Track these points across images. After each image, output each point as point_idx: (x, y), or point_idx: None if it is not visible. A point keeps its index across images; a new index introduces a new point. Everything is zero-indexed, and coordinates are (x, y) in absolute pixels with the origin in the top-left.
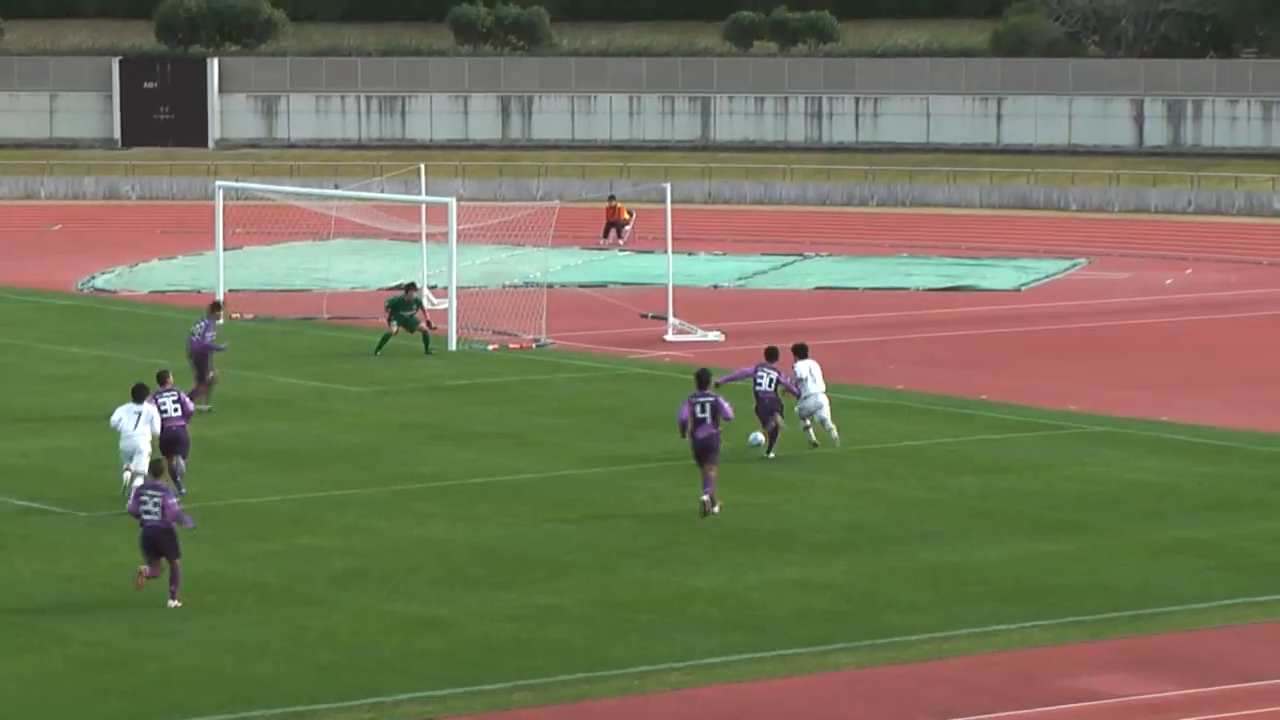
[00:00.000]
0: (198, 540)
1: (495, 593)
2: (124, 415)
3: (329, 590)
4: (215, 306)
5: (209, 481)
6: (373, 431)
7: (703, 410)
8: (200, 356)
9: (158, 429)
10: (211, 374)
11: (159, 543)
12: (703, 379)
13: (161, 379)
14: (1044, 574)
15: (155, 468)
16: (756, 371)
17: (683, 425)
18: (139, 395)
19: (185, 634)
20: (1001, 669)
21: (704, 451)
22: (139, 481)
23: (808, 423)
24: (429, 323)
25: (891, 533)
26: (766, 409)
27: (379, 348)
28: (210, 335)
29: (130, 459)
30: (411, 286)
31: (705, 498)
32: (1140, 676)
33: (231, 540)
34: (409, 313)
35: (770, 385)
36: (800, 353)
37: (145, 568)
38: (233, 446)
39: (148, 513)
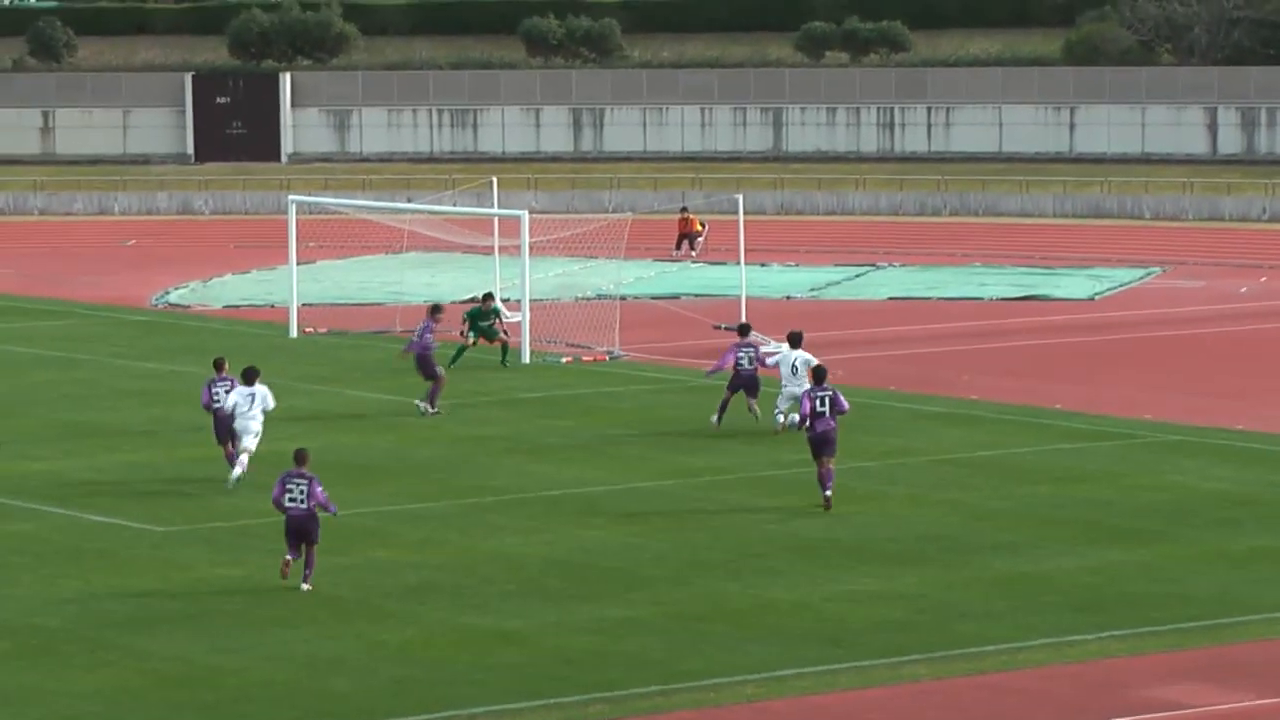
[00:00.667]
0: (273, 555)
1: (570, 605)
2: (239, 398)
3: (404, 604)
4: (435, 309)
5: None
6: (446, 445)
7: (822, 404)
8: (422, 359)
9: (270, 406)
10: (439, 373)
11: (305, 529)
12: (819, 375)
13: (218, 366)
14: (1119, 583)
15: (300, 456)
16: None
17: (804, 419)
18: (250, 378)
19: (261, 648)
20: (1077, 679)
21: (823, 445)
22: (243, 461)
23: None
24: (505, 332)
25: (966, 543)
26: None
27: (454, 360)
28: (429, 337)
29: (240, 438)
30: (489, 296)
31: (828, 493)
32: (1219, 686)
33: None
34: (487, 323)
35: (750, 364)
36: (795, 341)
37: (289, 556)
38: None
39: (293, 500)
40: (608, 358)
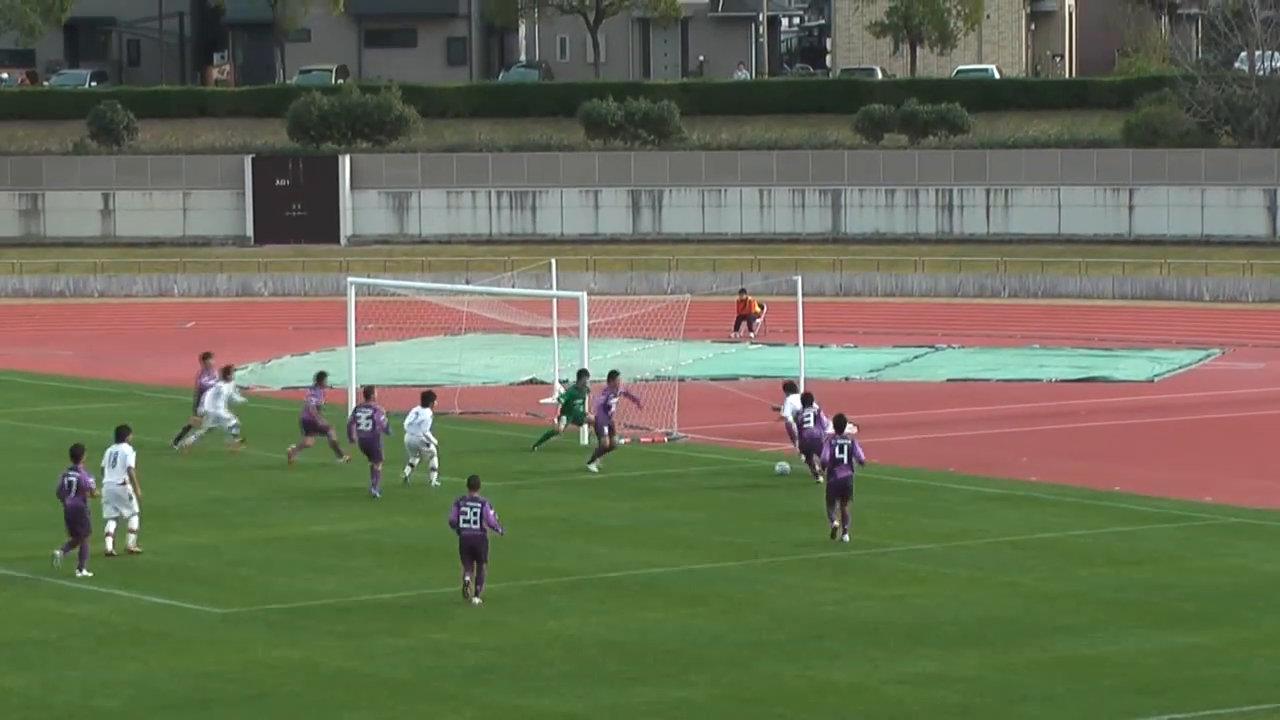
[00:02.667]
0: (331, 636)
1: (629, 687)
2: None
3: (462, 686)
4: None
5: (342, 577)
6: (505, 526)
7: (841, 451)
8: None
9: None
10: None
11: (477, 548)
12: (840, 424)
13: (368, 393)
14: (1181, 667)
15: (474, 482)
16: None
17: (824, 465)
18: (427, 400)
19: None
20: None
21: (841, 491)
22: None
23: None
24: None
25: (1026, 625)
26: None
27: (540, 443)
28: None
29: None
30: (584, 374)
31: (841, 528)
32: None
33: (364, 636)
34: (581, 402)
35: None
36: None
37: (466, 576)
38: (365, 542)
39: (467, 522)
40: (666, 439)
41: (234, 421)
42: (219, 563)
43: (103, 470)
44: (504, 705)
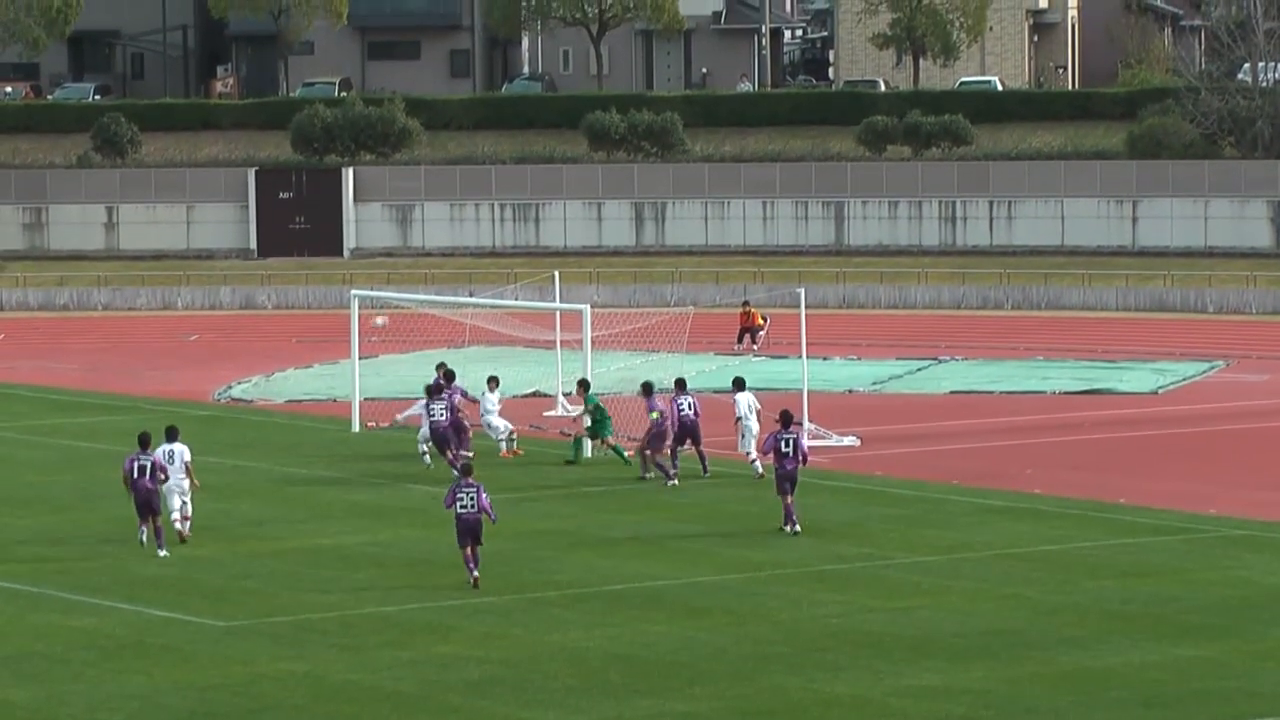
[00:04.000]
0: (335, 649)
1: (632, 700)
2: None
3: (466, 698)
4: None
5: (345, 590)
6: (509, 538)
7: (787, 445)
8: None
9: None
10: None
11: (475, 530)
12: (786, 419)
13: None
14: (1187, 679)
15: (467, 468)
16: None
17: (766, 453)
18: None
19: None
20: None
21: (788, 483)
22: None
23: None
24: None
25: (1031, 638)
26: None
27: (574, 460)
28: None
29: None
30: (584, 384)
31: (794, 528)
32: None
33: (368, 649)
34: (607, 419)
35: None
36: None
37: (466, 551)
38: (369, 555)
39: (464, 506)
40: (669, 452)
41: None
42: (223, 576)
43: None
44: (507, 718)
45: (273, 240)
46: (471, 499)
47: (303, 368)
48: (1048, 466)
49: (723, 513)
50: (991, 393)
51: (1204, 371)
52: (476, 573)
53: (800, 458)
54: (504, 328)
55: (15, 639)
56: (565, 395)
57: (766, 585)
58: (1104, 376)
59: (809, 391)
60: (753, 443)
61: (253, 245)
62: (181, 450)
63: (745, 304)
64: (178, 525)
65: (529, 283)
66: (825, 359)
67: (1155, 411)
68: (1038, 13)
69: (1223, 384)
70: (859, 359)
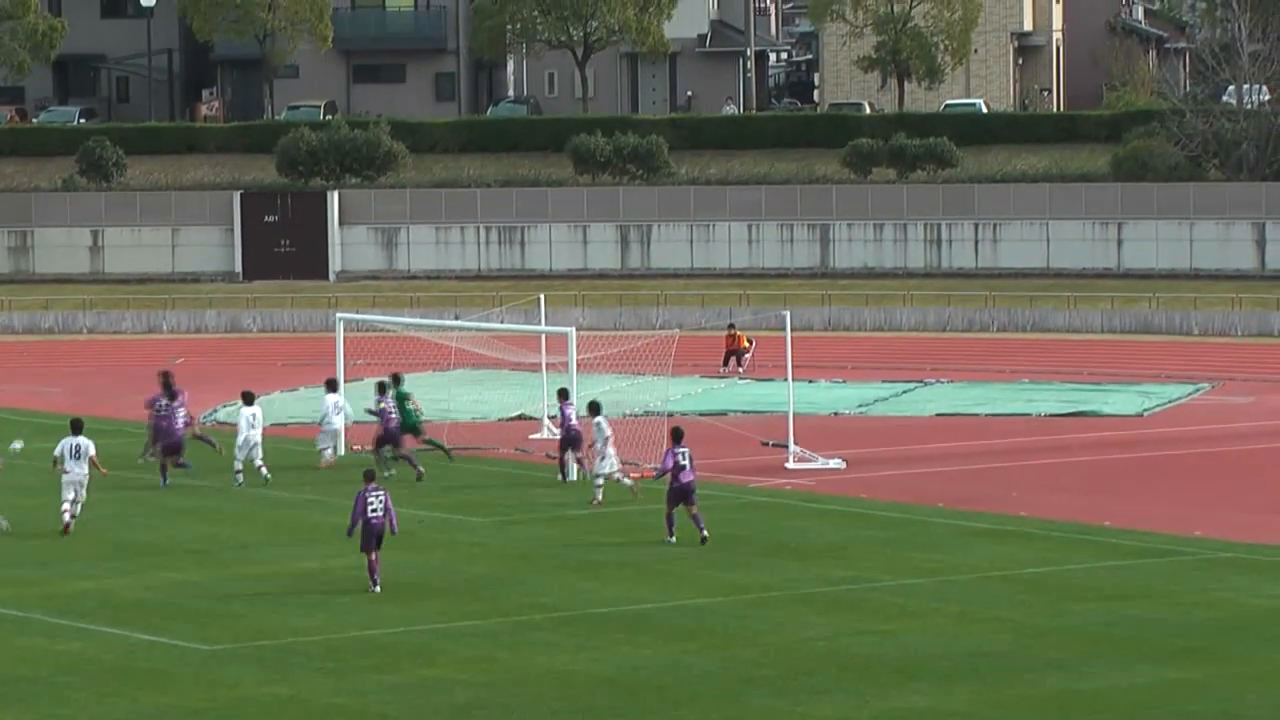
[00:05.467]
0: (321, 673)
1: None
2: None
3: None
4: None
5: (331, 613)
6: (496, 562)
7: (684, 459)
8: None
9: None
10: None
11: (381, 536)
12: (678, 434)
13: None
14: (1172, 702)
15: (370, 475)
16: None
17: (667, 471)
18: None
19: None
20: None
21: (687, 494)
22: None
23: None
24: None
25: (1017, 661)
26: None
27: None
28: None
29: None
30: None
31: (703, 533)
32: None
33: (354, 673)
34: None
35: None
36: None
37: (370, 556)
38: (354, 578)
39: (374, 510)
40: (655, 475)
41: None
42: (208, 599)
43: (62, 459)
44: None
45: (258, 263)
46: (381, 503)
47: (288, 391)
48: (1033, 489)
49: (709, 536)
50: (977, 415)
51: (1189, 394)
52: (379, 584)
53: (694, 471)
54: (490, 350)
55: (0, 663)
56: (550, 419)
57: (753, 608)
58: (1089, 399)
59: (795, 414)
60: (609, 466)
61: (238, 268)
62: (87, 444)
63: (731, 327)
64: (67, 517)
65: (514, 305)
66: (811, 382)
67: (1140, 434)
68: (1022, 35)
69: (1208, 406)
70: (845, 381)
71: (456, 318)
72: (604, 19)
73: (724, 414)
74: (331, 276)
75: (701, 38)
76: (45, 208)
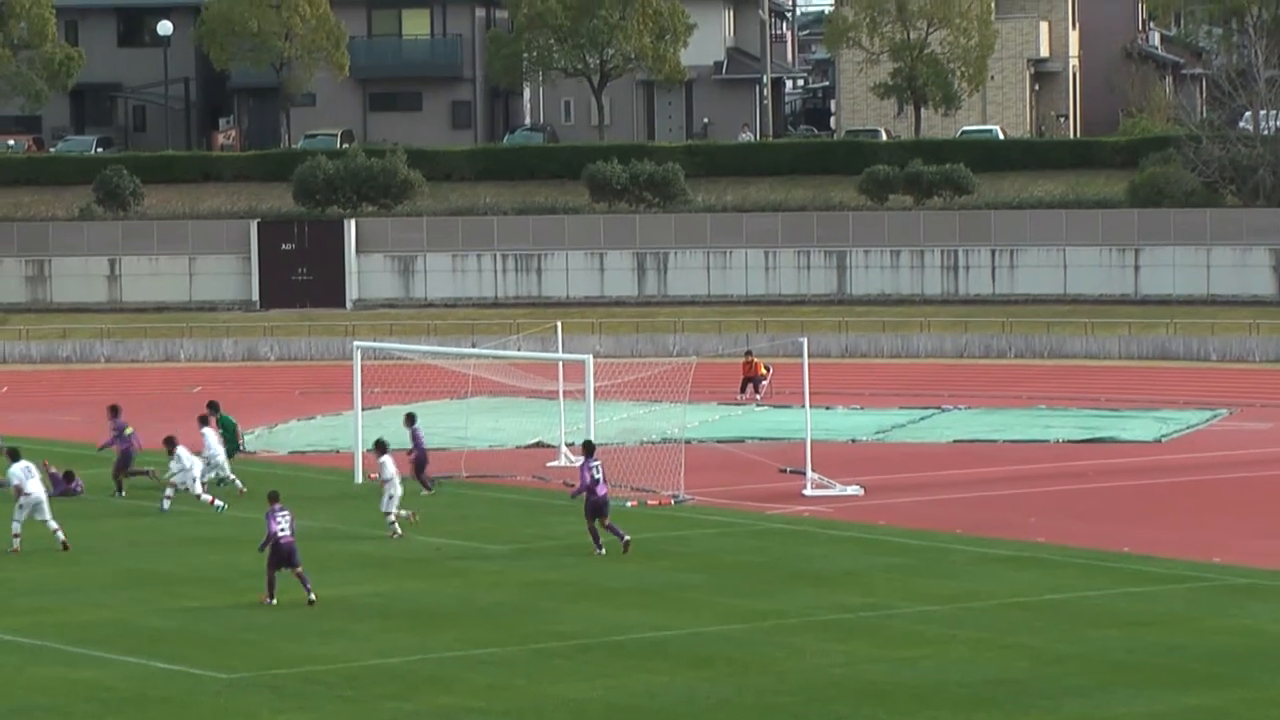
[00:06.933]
0: (338, 701)
1: None
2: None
3: None
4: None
5: (348, 642)
6: (513, 590)
7: (597, 473)
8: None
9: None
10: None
11: (295, 553)
12: (590, 448)
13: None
14: None
15: (274, 495)
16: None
17: (585, 487)
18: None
19: None
20: None
21: (604, 507)
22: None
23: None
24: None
25: (1035, 687)
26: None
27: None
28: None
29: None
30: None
31: (628, 538)
32: None
33: (370, 700)
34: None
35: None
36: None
37: (274, 575)
38: (372, 606)
39: (283, 530)
40: (673, 501)
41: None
42: (225, 628)
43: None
44: None
45: (275, 292)
46: (289, 521)
47: (305, 419)
48: (1051, 515)
49: (724, 562)
50: (994, 442)
51: (1207, 420)
52: (314, 597)
53: (606, 485)
54: (507, 378)
55: (16, 692)
56: (568, 446)
57: (770, 635)
58: (1107, 425)
59: (812, 441)
60: (394, 505)
61: (255, 297)
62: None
63: (748, 354)
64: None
65: (531, 333)
66: (828, 408)
67: (1158, 460)
68: (1038, 62)
69: (1226, 432)
70: (862, 408)
71: (473, 345)
72: (620, 47)
73: (741, 441)
74: (348, 304)
75: (718, 65)
76: (62, 237)
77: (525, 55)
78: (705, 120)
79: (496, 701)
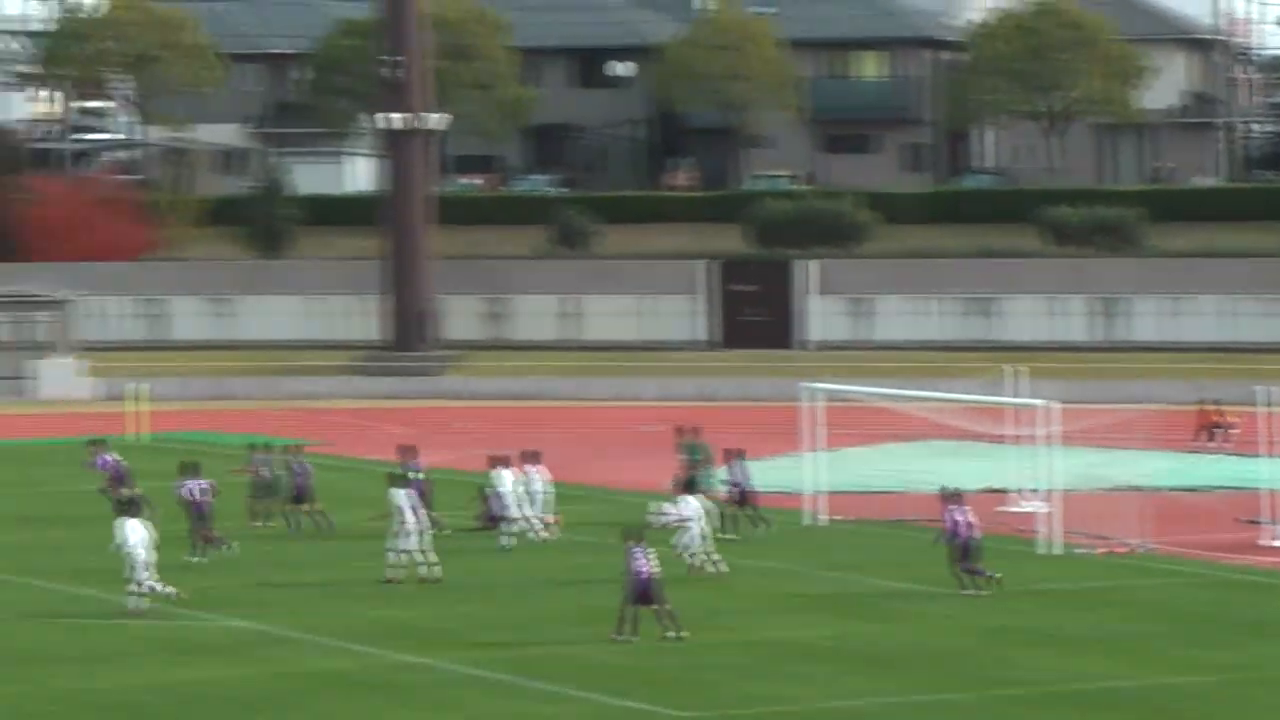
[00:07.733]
0: None
1: None
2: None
3: None
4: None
5: (799, 685)
6: (970, 635)
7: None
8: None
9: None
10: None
11: (648, 590)
12: (952, 494)
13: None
14: None
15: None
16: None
17: (951, 532)
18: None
19: None
20: None
21: (971, 551)
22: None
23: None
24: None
25: None
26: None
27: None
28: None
29: None
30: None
31: (998, 575)
32: None
33: None
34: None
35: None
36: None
37: None
38: (826, 648)
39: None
40: (1135, 550)
41: None
42: (680, 665)
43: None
44: None
45: (728, 331)
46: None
47: (757, 459)
48: None
49: (1185, 612)
50: None
51: None
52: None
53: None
54: (961, 422)
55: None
56: (1019, 492)
57: (1232, 688)
58: None
59: (1275, 491)
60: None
61: (704, 336)
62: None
63: (1204, 401)
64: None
65: (985, 378)
66: None
67: None
68: None
69: None
70: None
71: (928, 389)
72: (1073, 89)
73: (1201, 490)
74: (798, 345)
75: (1174, 108)
76: (521, 275)
77: (978, 98)
78: (1159, 164)
79: None
